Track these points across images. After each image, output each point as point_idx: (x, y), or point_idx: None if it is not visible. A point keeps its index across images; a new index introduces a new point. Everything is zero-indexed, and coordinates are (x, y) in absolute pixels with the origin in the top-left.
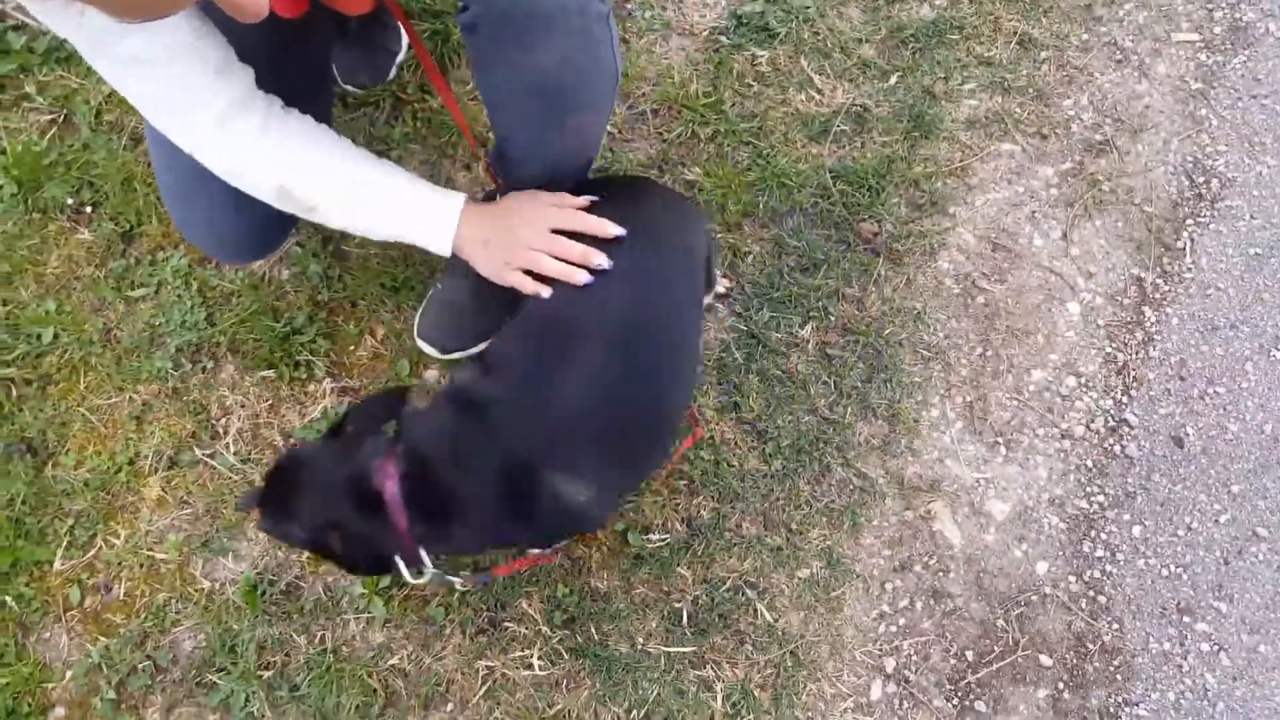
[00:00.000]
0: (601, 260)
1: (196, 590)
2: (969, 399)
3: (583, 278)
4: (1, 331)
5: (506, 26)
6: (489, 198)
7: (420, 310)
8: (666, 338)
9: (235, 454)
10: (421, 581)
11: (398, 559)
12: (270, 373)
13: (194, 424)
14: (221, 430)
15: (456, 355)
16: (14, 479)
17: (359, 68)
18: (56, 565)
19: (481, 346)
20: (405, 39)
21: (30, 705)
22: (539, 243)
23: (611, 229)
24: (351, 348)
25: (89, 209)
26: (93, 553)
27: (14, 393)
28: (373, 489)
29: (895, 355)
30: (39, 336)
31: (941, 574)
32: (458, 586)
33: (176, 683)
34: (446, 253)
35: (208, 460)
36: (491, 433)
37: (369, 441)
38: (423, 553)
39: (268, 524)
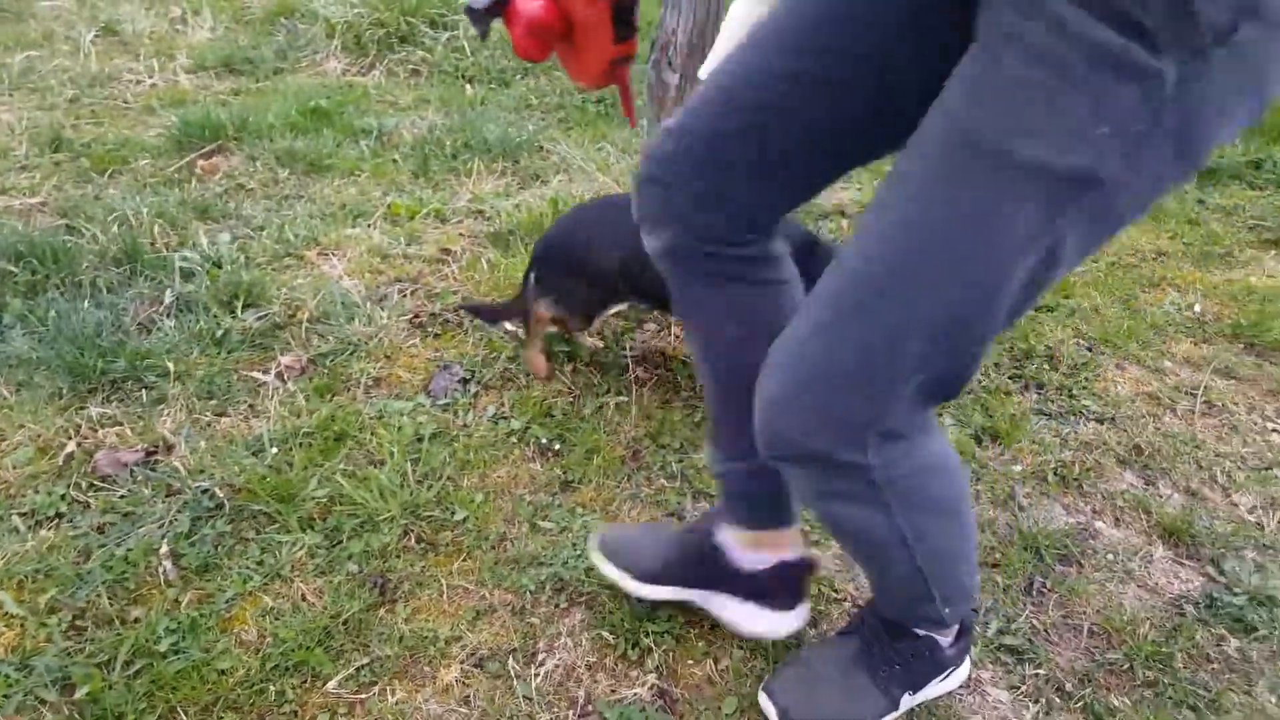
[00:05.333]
0: None
1: None
2: None
3: None
4: (433, 496)
5: None
6: None
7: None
8: None
9: (535, 688)
10: None
11: None
12: (609, 637)
13: (520, 643)
14: (537, 663)
15: None
16: (353, 599)
17: None
18: (329, 685)
19: None
20: None
21: None
22: None
23: None
24: (691, 664)
25: (553, 452)
26: (365, 694)
27: (410, 539)
28: None
29: None
30: (453, 512)
31: None
32: None
33: None
34: None
35: (511, 678)
36: None
37: None
38: None
39: None
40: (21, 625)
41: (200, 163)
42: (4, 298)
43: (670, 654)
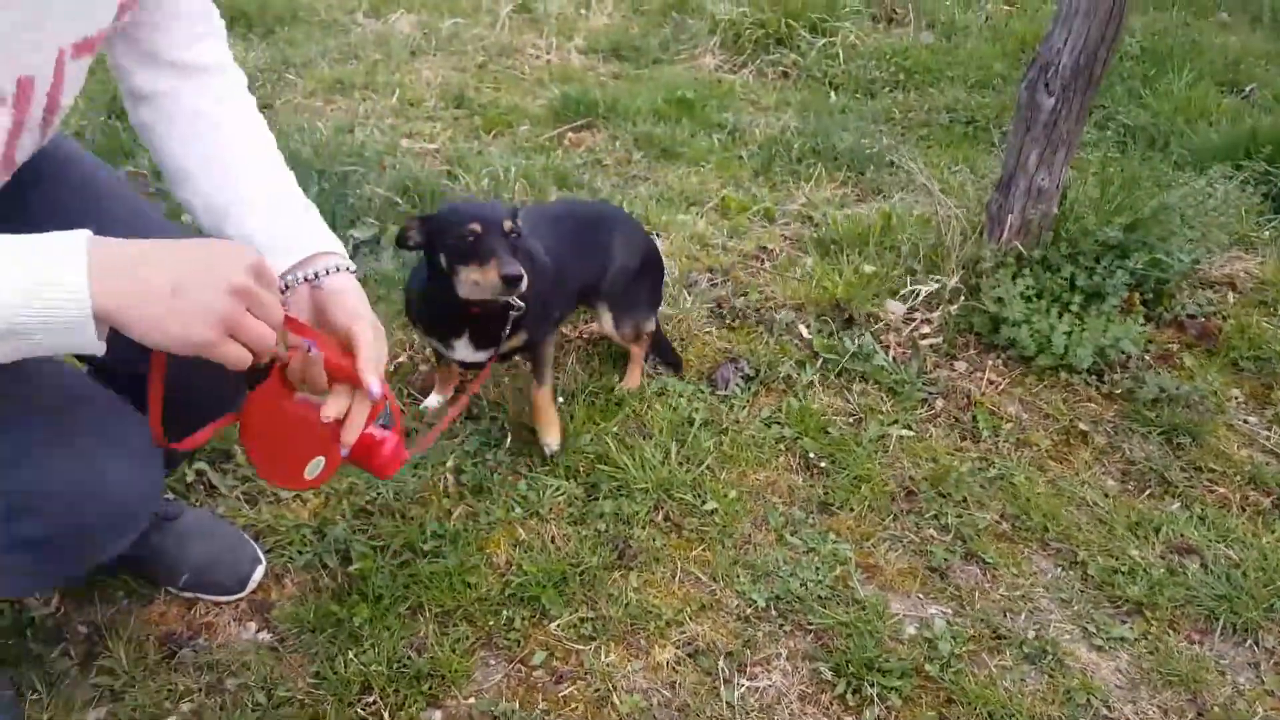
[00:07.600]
0: None
1: None
2: None
3: None
4: (689, 480)
5: None
6: None
7: None
8: None
9: (740, 698)
10: None
11: None
12: (829, 675)
13: (737, 649)
14: (749, 674)
15: None
16: (594, 554)
17: None
18: (553, 626)
19: None
20: None
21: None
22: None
23: None
24: None
25: (819, 469)
26: (583, 646)
27: (659, 515)
28: None
29: None
30: (704, 500)
31: None
32: None
33: None
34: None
35: (719, 680)
36: None
37: None
38: None
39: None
40: (327, 499)
41: (570, 135)
42: (386, 223)
43: (895, 712)
